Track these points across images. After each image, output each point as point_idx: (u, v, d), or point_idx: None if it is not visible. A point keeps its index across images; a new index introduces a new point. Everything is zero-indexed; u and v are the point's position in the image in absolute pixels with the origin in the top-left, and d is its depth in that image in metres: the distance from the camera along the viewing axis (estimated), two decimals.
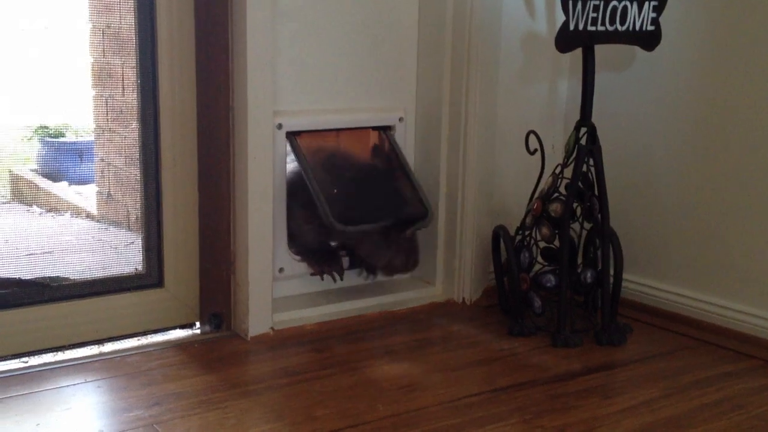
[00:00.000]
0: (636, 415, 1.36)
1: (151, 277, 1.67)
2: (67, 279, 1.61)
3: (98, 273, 1.67)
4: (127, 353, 1.56)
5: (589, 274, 1.75)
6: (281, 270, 1.73)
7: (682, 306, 1.81)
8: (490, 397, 1.42)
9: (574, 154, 1.74)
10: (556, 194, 1.77)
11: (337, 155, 1.80)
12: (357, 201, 1.70)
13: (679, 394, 1.44)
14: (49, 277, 1.60)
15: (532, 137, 1.79)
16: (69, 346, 1.57)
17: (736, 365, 1.59)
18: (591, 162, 1.74)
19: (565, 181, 1.75)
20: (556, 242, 1.75)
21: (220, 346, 1.62)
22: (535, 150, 1.80)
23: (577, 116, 1.75)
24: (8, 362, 1.50)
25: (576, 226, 1.77)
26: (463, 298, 1.91)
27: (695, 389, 1.47)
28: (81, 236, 2.58)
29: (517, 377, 1.51)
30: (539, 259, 1.80)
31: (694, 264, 1.80)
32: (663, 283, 1.86)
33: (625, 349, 1.67)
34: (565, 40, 1.67)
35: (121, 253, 1.75)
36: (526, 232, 1.79)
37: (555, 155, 1.86)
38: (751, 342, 1.66)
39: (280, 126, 1.69)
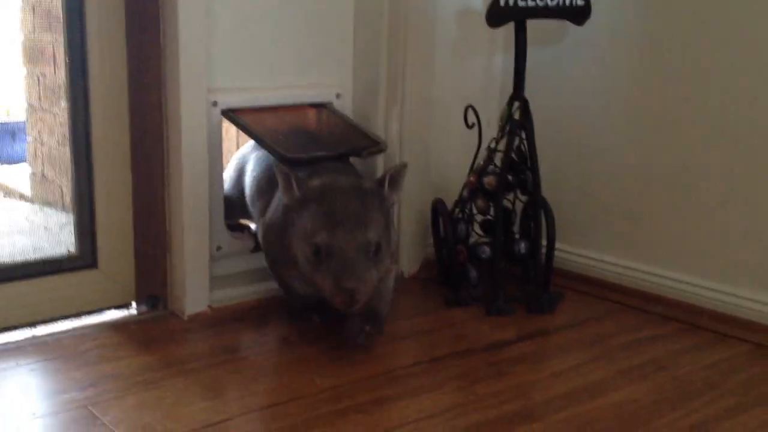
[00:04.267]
0: (566, 379, 1.41)
1: (84, 258, 1.65)
2: None
3: (31, 255, 1.64)
4: (62, 335, 1.54)
5: (523, 245, 1.79)
6: (219, 248, 1.72)
7: (610, 273, 1.87)
8: (427, 367, 1.45)
9: (507, 128, 1.77)
10: (491, 167, 1.80)
11: (280, 128, 1.76)
12: (307, 144, 1.67)
13: (606, 358, 1.50)
14: None
15: (470, 111, 1.82)
16: (1, 329, 1.54)
17: (660, 329, 1.66)
18: (524, 135, 1.77)
19: (499, 155, 1.79)
20: (492, 214, 1.78)
21: (157, 326, 1.61)
22: (473, 124, 1.82)
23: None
24: None
25: (511, 198, 1.81)
26: (401, 272, 1.93)
27: (622, 352, 1.52)
28: (14, 218, 2.52)
29: (453, 347, 1.54)
30: (477, 231, 1.83)
31: (622, 232, 1.86)
32: (593, 252, 1.91)
33: (556, 317, 1.72)
34: (496, 15, 1.69)
35: (54, 234, 1.72)
36: (464, 205, 1.83)
37: (491, 129, 1.89)
38: (676, 306, 1.73)
39: (215, 103, 1.67)
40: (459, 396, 1.34)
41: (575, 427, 1.23)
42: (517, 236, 1.83)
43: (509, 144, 1.76)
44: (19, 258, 1.63)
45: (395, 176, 1.43)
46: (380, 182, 1.43)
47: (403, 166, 1.45)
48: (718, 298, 1.67)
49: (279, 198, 1.49)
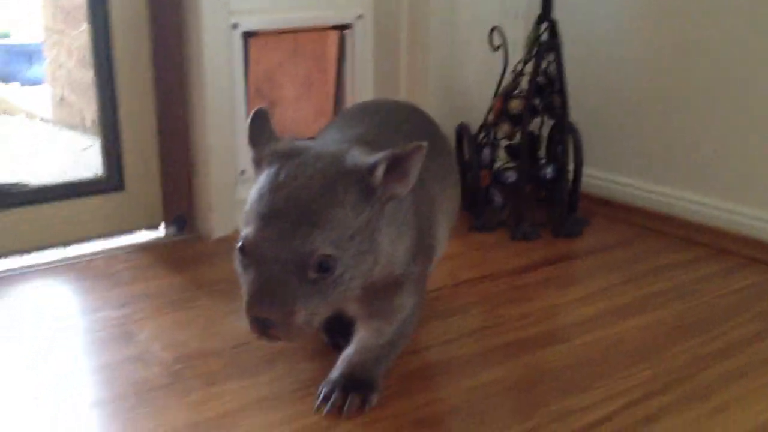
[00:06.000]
0: (591, 302, 1.42)
1: (111, 180, 1.66)
2: (28, 185, 1.59)
3: (59, 178, 1.66)
4: (93, 257, 1.56)
5: (549, 170, 1.78)
6: (243, 172, 1.72)
7: (637, 197, 1.86)
8: (453, 290, 1.46)
9: (535, 50, 1.73)
10: (517, 91, 1.78)
11: None
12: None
13: (631, 282, 1.51)
14: (10, 183, 1.58)
15: (495, 33, 1.78)
16: (34, 250, 1.56)
17: (687, 253, 1.66)
18: (552, 58, 1.74)
19: (526, 78, 1.76)
20: (518, 139, 1.77)
21: (185, 248, 1.63)
22: (498, 46, 1.79)
23: (539, 11, 1.74)
24: None
25: (537, 122, 1.79)
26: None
27: (647, 277, 1.53)
28: (37, 140, 2.53)
29: (478, 271, 1.55)
30: (501, 155, 1.82)
31: (649, 156, 1.84)
32: (620, 176, 1.90)
33: (582, 241, 1.73)
34: None
35: (80, 157, 1.73)
36: (489, 130, 1.81)
37: (518, 52, 1.85)
38: (702, 230, 1.72)
39: (235, 26, 1.65)
40: (484, 319, 1.35)
41: (600, 350, 1.24)
42: (543, 161, 1.82)
43: (536, 67, 1.73)
44: (47, 180, 1.64)
45: (401, 159, 0.93)
46: (371, 165, 0.93)
47: (417, 148, 0.93)
48: (745, 222, 1.66)
49: None
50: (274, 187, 0.91)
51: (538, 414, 1.06)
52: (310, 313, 0.89)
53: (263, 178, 0.94)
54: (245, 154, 1.70)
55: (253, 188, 0.95)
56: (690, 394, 1.12)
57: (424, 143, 0.93)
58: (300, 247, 0.88)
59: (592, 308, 1.39)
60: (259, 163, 0.98)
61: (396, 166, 0.93)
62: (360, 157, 0.95)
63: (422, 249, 1.07)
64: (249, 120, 1.00)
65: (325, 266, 0.89)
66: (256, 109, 1.01)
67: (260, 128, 1.00)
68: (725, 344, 1.27)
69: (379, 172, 0.93)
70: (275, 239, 0.88)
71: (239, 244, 0.92)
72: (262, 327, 0.89)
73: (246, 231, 0.91)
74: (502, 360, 1.20)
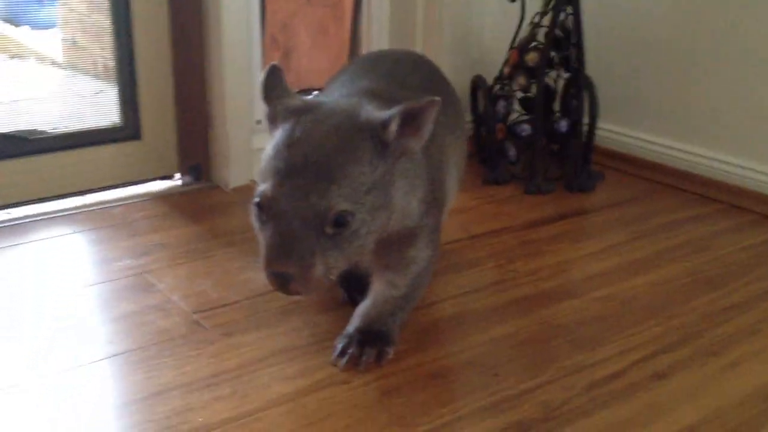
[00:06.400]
0: (604, 258, 1.43)
1: (128, 129, 1.66)
2: (45, 132, 1.60)
3: (76, 126, 1.66)
4: (111, 205, 1.58)
5: (563, 123, 1.77)
6: (259, 122, 1.72)
7: (652, 152, 1.85)
8: (466, 244, 1.47)
9: (553, 2, 1.71)
10: (533, 43, 1.76)
11: None
12: None
13: (645, 238, 1.51)
14: (27, 130, 1.58)
15: None
16: (52, 197, 1.58)
17: (701, 209, 1.66)
18: (570, 11, 1.71)
19: (543, 30, 1.74)
20: (534, 92, 1.75)
21: (202, 197, 1.64)
22: None
23: None
24: None
25: (554, 75, 1.77)
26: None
27: (661, 232, 1.54)
28: (49, 84, 2.51)
29: (492, 225, 1.56)
30: (516, 108, 1.81)
31: (664, 111, 1.83)
32: (636, 130, 1.89)
33: (595, 196, 1.73)
34: None
35: (97, 105, 1.72)
36: (504, 82, 1.80)
37: (535, 3, 1.82)
38: (717, 186, 1.72)
39: None
40: (498, 273, 1.37)
41: (613, 305, 1.26)
42: (558, 114, 1.81)
43: (554, 19, 1.71)
44: (63, 128, 1.64)
45: (414, 113, 0.93)
46: (385, 120, 0.93)
47: (431, 103, 0.93)
48: (759, 179, 1.66)
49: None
50: (290, 144, 0.92)
51: (551, 369, 1.08)
52: (328, 267, 0.90)
53: (279, 134, 0.94)
54: (261, 104, 1.71)
55: (268, 144, 0.95)
56: (701, 349, 1.13)
57: (438, 98, 0.93)
58: (317, 203, 0.88)
59: (605, 263, 1.41)
60: (273, 120, 0.98)
61: (410, 121, 0.93)
62: (373, 112, 0.95)
63: (434, 201, 1.07)
64: (263, 76, 0.99)
65: (341, 221, 0.89)
66: (269, 65, 1.00)
67: (274, 84, 0.99)
68: (737, 300, 1.28)
69: (393, 127, 0.93)
70: (293, 195, 0.89)
71: (256, 199, 0.92)
72: (281, 281, 0.90)
73: (263, 187, 0.91)
74: (515, 315, 1.22)
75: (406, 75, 1.21)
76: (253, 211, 0.93)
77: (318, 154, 0.90)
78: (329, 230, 0.89)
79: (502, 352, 1.12)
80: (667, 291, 1.31)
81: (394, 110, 0.93)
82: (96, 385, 1.02)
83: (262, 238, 0.93)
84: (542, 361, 1.10)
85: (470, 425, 0.96)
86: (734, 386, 1.06)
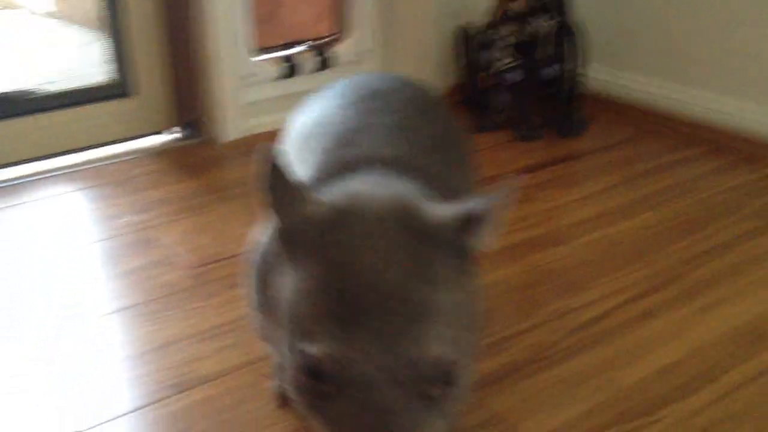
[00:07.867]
0: (593, 203, 1.47)
1: (123, 86, 1.68)
2: (42, 90, 1.61)
3: (72, 84, 1.67)
4: (109, 162, 1.61)
5: (552, 69, 1.79)
6: (246, 76, 1.73)
7: (640, 95, 1.88)
8: None
9: None
10: None
11: None
12: None
13: (630, 182, 1.55)
14: (24, 89, 1.60)
15: None
16: (50, 156, 1.60)
17: (686, 151, 1.69)
18: None
19: None
20: (521, 38, 1.77)
21: (197, 152, 1.67)
22: None
23: None
24: None
25: (541, 21, 1.79)
26: None
27: (647, 177, 1.58)
28: (41, 35, 2.50)
29: (482, 172, 1.59)
30: (504, 55, 1.83)
31: (652, 54, 1.85)
32: (623, 74, 1.91)
33: (585, 141, 1.76)
34: None
35: (85, 53, 1.72)
36: (491, 30, 1.81)
37: None
38: (704, 128, 1.75)
39: None
40: None
41: (599, 250, 1.30)
42: (545, 60, 1.82)
43: None
44: (60, 86, 1.65)
45: (486, 213, 0.64)
46: (460, 219, 0.64)
47: (502, 202, 0.66)
48: (745, 118, 1.68)
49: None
50: (341, 277, 0.60)
51: (540, 313, 1.13)
52: None
53: (314, 266, 0.62)
54: (253, 58, 1.73)
55: (295, 280, 0.64)
56: (684, 291, 1.19)
57: (506, 196, 0.66)
58: (417, 355, 0.58)
59: (592, 209, 1.45)
60: (291, 240, 0.65)
61: (479, 220, 0.64)
62: (435, 207, 0.66)
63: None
64: (265, 174, 0.65)
65: (446, 379, 0.60)
66: (268, 156, 0.65)
67: (280, 185, 0.65)
68: (719, 242, 1.32)
69: (473, 228, 0.64)
70: (375, 351, 0.58)
71: (310, 364, 0.59)
72: None
73: (320, 345, 0.59)
74: (506, 261, 1.27)
75: (430, 136, 0.88)
76: (300, 380, 0.61)
77: (390, 285, 0.59)
78: (435, 391, 0.59)
79: (492, 298, 1.16)
80: (651, 235, 1.35)
81: (465, 208, 0.64)
82: (108, 337, 1.07)
83: (320, 415, 0.61)
84: (531, 306, 1.15)
85: None
86: (715, 325, 1.11)
